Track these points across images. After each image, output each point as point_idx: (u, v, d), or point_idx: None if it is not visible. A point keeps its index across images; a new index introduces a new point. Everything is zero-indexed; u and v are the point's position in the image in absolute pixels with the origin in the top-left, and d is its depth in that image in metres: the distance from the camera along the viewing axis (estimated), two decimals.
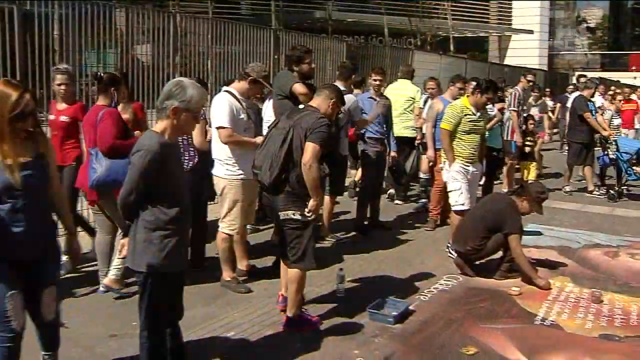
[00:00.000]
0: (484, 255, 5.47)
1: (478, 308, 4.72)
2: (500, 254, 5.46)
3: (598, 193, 9.43)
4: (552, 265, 5.83)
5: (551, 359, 3.87)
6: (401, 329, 4.28)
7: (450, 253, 5.88)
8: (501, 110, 8.68)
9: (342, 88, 6.31)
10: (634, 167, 9.18)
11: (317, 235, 6.50)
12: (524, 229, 5.61)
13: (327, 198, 6.28)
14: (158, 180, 2.98)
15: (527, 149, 9.33)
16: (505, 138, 9.00)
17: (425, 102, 8.34)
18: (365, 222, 6.97)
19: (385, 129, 6.95)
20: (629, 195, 9.41)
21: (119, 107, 4.79)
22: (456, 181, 6.00)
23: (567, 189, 9.50)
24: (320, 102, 4.21)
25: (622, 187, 9.42)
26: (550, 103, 14.06)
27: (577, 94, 10.47)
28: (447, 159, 6.00)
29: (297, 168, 3.95)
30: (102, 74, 4.82)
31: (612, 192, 9.22)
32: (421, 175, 8.32)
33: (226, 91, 4.97)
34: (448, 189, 6.14)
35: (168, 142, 3.04)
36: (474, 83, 7.48)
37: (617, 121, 11.11)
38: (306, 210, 3.99)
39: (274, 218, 4.58)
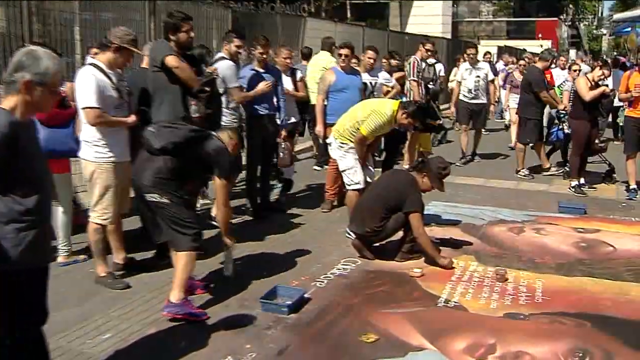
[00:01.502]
0: (384, 236, 5.65)
1: (378, 292, 4.87)
2: (401, 234, 5.66)
3: (555, 170, 9.78)
4: (455, 243, 6.11)
5: (455, 342, 4.06)
6: (296, 319, 4.34)
7: (348, 235, 6.01)
8: (400, 81, 8.94)
9: (223, 55, 6.34)
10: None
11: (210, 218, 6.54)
12: (426, 207, 5.84)
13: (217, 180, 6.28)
14: (9, 165, 2.83)
15: (440, 122, 9.65)
16: None
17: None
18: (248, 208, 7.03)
19: (272, 105, 6.91)
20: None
21: None
22: (346, 159, 6.15)
23: (524, 172, 9.66)
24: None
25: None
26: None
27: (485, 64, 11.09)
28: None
29: None
30: None
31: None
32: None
33: (91, 64, 4.78)
34: (340, 168, 6.29)
35: (20, 121, 2.88)
36: (370, 52, 7.66)
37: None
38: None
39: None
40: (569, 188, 8.69)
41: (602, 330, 4.27)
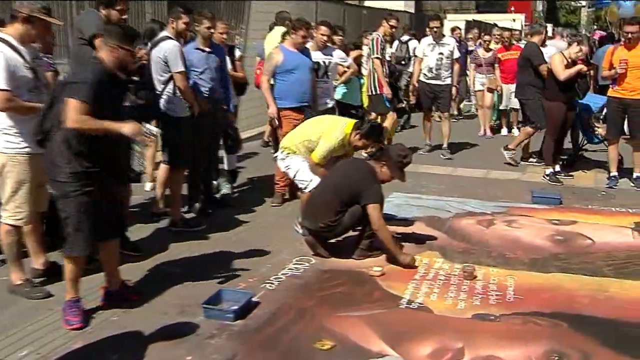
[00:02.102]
0: (341, 231, 5.66)
1: (334, 294, 4.88)
2: (359, 229, 5.68)
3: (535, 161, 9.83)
4: (419, 239, 6.16)
5: (419, 346, 4.09)
6: (243, 326, 4.32)
7: (298, 231, 6.02)
8: (358, 60, 8.97)
9: (167, 34, 6.24)
10: (594, 128, 9.44)
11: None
12: (386, 199, 5.86)
13: (162, 167, 6.38)
14: None
15: (403, 105, 9.72)
16: (372, 92, 9.32)
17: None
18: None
19: (220, 89, 6.88)
20: (582, 162, 9.89)
21: None
22: (292, 166, 6.22)
23: (510, 154, 9.69)
24: (103, 51, 4.26)
25: (579, 152, 9.90)
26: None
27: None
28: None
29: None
30: None
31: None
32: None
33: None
34: (291, 176, 6.38)
35: None
36: (323, 28, 7.63)
37: None
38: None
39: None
40: (543, 176, 8.84)
41: (579, 330, 4.35)
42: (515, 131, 12.02)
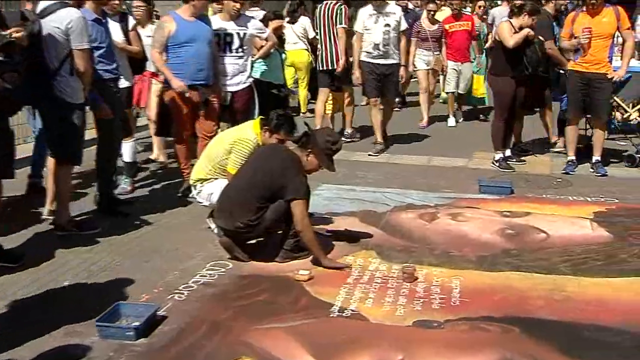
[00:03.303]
0: (262, 231, 5.62)
1: (255, 303, 4.85)
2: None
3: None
4: (352, 236, 6.18)
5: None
6: (147, 345, 4.25)
7: (216, 231, 5.96)
8: (278, 32, 8.92)
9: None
10: (612, 113, 9.31)
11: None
12: (314, 191, 5.86)
13: (51, 161, 6.34)
14: None
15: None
16: (323, 67, 9.55)
17: None
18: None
19: (117, 65, 6.81)
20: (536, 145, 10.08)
21: None
22: (214, 191, 6.17)
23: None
24: None
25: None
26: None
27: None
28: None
29: None
30: None
31: (631, 152, 9.37)
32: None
33: None
34: (214, 201, 6.28)
35: None
36: None
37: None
38: None
39: None
40: (492, 162, 9.01)
41: (532, 335, 4.42)
42: (451, 120, 12.17)
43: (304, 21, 12.03)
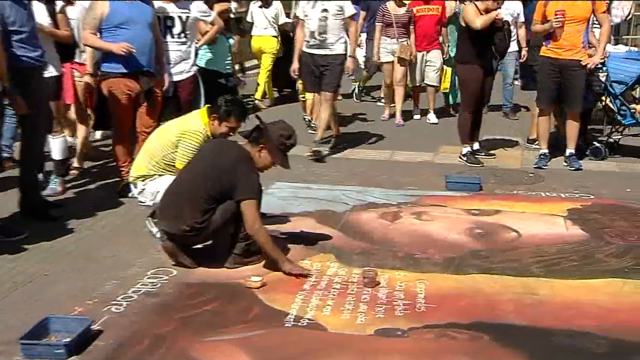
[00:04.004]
0: (211, 234, 5.59)
1: (202, 314, 4.81)
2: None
3: None
4: (308, 239, 6.19)
5: None
6: None
7: (158, 235, 5.95)
8: (224, 15, 8.87)
9: None
10: (631, 105, 9.30)
11: None
12: (267, 190, 5.84)
13: None
14: None
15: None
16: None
17: None
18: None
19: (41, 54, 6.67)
20: (621, 149, 9.87)
21: None
22: (161, 190, 6.07)
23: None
24: None
25: (615, 137, 9.74)
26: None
27: None
28: None
29: None
30: None
31: (597, 144, 9.50)
32: None
33: None
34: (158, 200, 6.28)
35: None
36: None
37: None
38: None
39: None
40: (460, 157, 9.08)
41: (503, 343, 4.45)
42: (432, 116, 12.16)
43: (277, 5, 12.04)
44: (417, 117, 12.32)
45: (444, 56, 12.14)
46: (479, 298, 5.13)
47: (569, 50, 8.56)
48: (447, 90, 12.68)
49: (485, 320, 4.77)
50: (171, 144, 6.15)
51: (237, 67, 12.33)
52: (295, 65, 9.62)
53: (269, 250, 5.48)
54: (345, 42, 9.44)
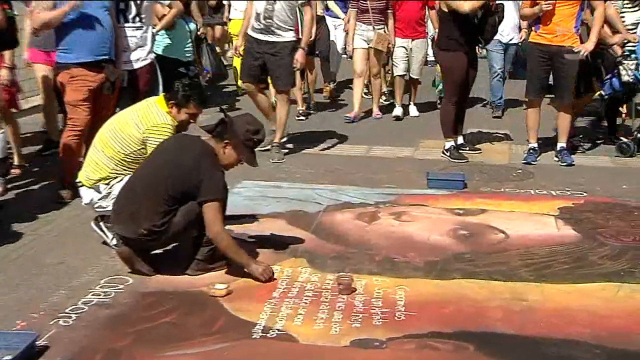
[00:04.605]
0: (171, 238, 5.56)
1: (161, 326, 4.77)
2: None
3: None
4: (278, 242, 6.18)
5: None
6: None
7: (113, 241, 5.92)
8: None
9: None
10: None
11: None
12: (232, 190, 5.81)
13: None
14: None
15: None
16: None
17: None
18: None
19: None
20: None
21: None
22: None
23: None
24: None
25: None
26: None
27: None
28: None
29: None
30: None
31: (625, 140, 9.42)
32: None
33: None
34: None
35: None
36: None
37: None
38: None
39: None
40: (442, 152, 9.08)
41: (489, 353, 4.45)
42: (413, 109, 12.12)
43: None
44: (397, 112, 11.97)
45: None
46: (463, 305, 5.12)
47: (560, 36, 8.55)
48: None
49: (471, 329, 4.76)
50: (137, 140, 6.04)
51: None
52: (238, 42, 9.39)
53: (232, 256, 5.46)
54: (295, 30, 9.15)
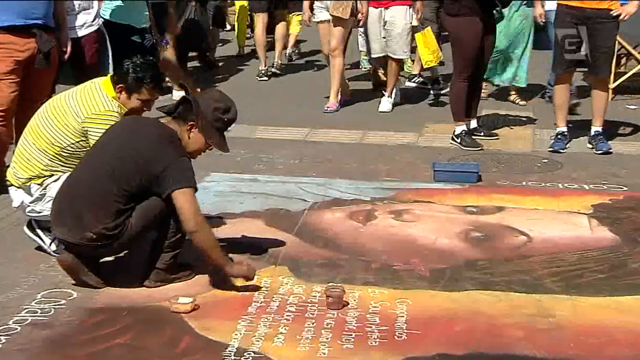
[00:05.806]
0: (126, 243, 5.52)
1: (112, 348, 4.74)
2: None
3: None
4: (255, 246, 6.18)
5: None
6: None
7: (53, 247, 5.93)
8: None
9: None
10: None
11: None
12: (200, 182, 5.78)
13: None
14: None
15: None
16: None
17: None
18: None
19: None
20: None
21: None
22: None
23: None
24: None
25: None
26: None
27: None
28: None
29: None
30: None
31: None
32: None
33: None
34: None
35: None
36: None
37: None
38: None
39: None
40: (452, 138, 9.06)
41: None
42: (385, 101, 11.67)
43: None
44: (384, 108, 11.26)
45: (418, 16, 11.23)
46: (477, 322, 5.11)
47: None
48: (433, 63, 11.53)
49: (487, 350, 4.75)
50: (75, 130, 5.98)
51: None
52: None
53: (212, 253, 5.42)
54: None
